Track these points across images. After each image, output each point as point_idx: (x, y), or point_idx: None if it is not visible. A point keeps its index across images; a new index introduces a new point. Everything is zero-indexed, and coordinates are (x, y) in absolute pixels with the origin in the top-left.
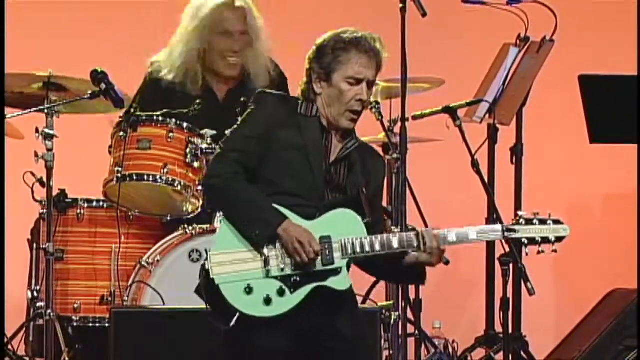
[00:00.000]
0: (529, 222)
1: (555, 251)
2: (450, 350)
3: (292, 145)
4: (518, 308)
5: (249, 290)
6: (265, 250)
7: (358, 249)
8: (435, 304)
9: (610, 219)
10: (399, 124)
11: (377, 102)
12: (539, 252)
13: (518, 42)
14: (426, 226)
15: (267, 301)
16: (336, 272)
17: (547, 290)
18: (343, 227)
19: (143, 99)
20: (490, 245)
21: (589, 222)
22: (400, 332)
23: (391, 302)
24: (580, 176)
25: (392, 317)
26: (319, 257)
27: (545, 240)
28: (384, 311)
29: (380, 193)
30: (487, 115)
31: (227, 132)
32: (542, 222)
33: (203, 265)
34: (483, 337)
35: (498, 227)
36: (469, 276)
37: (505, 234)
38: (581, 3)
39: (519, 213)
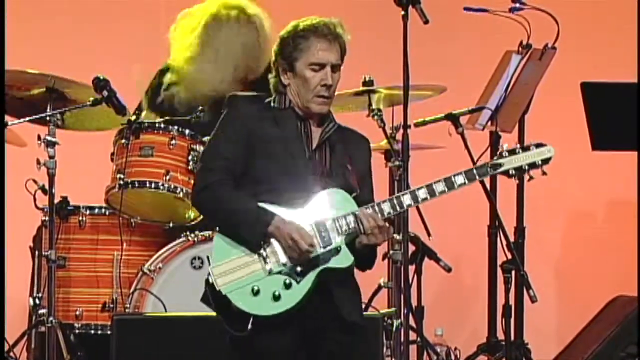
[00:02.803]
0: (512, 152)
1: (544, 173)
2: (453, 357)
3: (272, 139)
4: (520, 315)
5: (256, 291)
6: (261, 250)
7: (352, 224)
8: (437, 311)
9: (612, 226)
10: (401, 131)
11: (379, 109)
12: (529, 179)
13: (520, 49)
14: (428, 234)
15: (276, 297)
16: (337, 251)
17: (549, 297)
18: (333, 206)
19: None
20: (493, 252)
21: (591, 229)
22: (402, 339)
23: (393, 309)
24: (582, 183)
25: (394, 324)
26: (315, 248)
27: (532, 165)
28: (385, 318)
29: (368, 173)
30: (489, 123)
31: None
32: (525, 149)
33: (207, 280)
34: (485, 344)
35: (483, 164)
36: (471, 283)
37: (491, 169)
38: (583, 10)
39: (501, 147)
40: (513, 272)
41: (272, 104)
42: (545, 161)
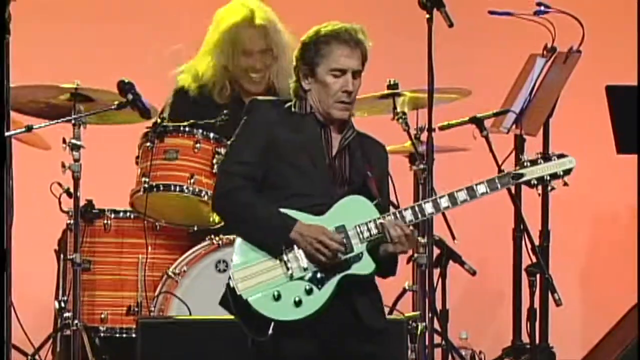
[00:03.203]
0: (534, 162)
1: (566, 184)
2: None
3: (292, 145)
4: (545, 318)
5: (277, 297)
6: (283, 255)
7: (374, 231)
8: (462, 315)
9: (637, 229)
10: (426, 134)
11: (403, 113)
12: (551, 189)
13: (545, 52)
14: (453, 237)
15: (298, 303)
16: (358, 258)
17: (574, 301)
18: (355, 213)
19: (173, 111)
20: (517, 256)
21: (616, 233)
22: (426, 343)
23: (417, 312)
24: (607, 187)
25: (419, 327)
26: (343, 247)
27: (554, 176)
28: (410, 322)
29: (385, 179)
30: (514, 126)
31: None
32: (547, 159)
33: (228, 284)
34: (510, 348)
35: (505, 174)
36: (496, 286)
37: (513, 179)
38: (608, 13)
39: (521, 157)
40: (538, 276)
41: (292, 109)
42: (567, 172)
